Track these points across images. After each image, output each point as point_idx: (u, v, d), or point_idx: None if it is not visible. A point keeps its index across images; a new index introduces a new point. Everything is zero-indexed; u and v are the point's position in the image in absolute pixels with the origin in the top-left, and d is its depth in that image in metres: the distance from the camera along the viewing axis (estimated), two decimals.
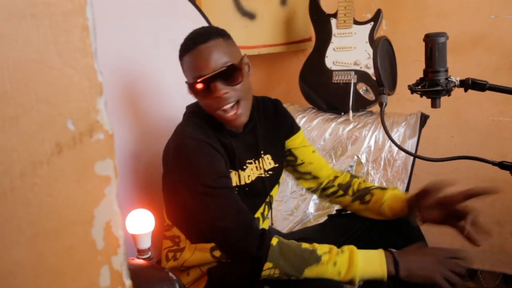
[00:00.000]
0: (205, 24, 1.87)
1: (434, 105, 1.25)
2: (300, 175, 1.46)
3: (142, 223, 1.15)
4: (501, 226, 2.32)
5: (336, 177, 1.46)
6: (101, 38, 0.49)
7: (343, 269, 1.02)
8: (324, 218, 1.55)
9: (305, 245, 1.07)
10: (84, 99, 0.44)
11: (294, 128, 1.43)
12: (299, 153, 1.42)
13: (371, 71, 2.13)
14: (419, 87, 1.24)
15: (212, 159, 1.12)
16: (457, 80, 1.24)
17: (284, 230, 1.97)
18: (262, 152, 1.32)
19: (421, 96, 1.26)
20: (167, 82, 1.60)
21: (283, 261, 1.02)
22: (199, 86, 1.14)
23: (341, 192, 1.43)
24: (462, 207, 1.14)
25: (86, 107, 0.44)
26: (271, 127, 1.36)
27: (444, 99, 1.22)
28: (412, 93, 1.25)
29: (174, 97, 1.56)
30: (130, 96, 1.46)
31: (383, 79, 1.23)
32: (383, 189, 1.36)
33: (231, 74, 1.14)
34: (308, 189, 1.50)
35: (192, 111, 1.27)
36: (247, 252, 1.04)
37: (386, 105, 1.22)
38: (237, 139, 1.26)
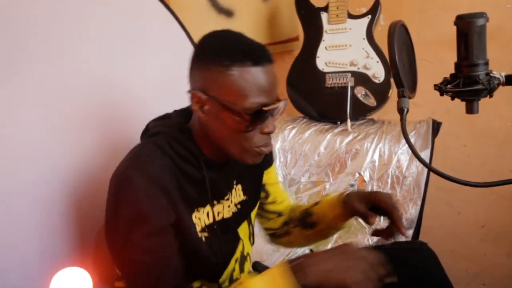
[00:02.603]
0: (176, 25, 1.56)
1: (470, 110, 0.96)
2: (265, 214, 1.29)
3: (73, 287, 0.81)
4: None
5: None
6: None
7: None
8: None
9: None
10: None
11: (272, 158, 1.25)
12: (272, 190, 1.25)
13: (370, 73, 1.85)
14: (450, 86, 0.93)
15: (155, 204, 0.91)
16: (502, 76, 0.94)
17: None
18: (234, 181, 1.11)
19: (453, 98, 0.97)
20: (134, 91, 1.31)
21: None
22: (260, 115, 0.91)
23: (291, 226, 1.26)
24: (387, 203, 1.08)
25: None
26: None
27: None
28: (441, 94, 0.96)
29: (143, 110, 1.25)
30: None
31: (403, 76, 0.93)
32: (316, 203, 1.23)
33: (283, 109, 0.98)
34: (267, 229, 1.31)
35: (161, 132, 0.98)
36: None
37: (408, 111, 0.92)
38: (215, 170, 1.02)
